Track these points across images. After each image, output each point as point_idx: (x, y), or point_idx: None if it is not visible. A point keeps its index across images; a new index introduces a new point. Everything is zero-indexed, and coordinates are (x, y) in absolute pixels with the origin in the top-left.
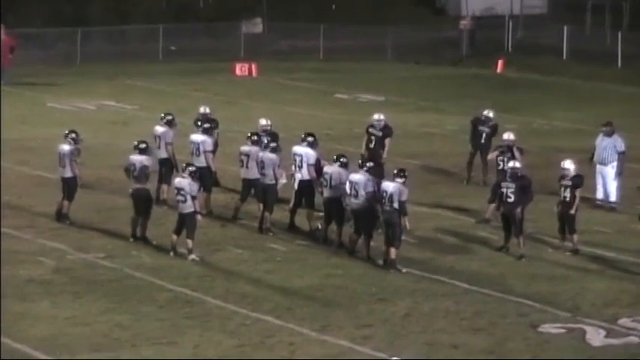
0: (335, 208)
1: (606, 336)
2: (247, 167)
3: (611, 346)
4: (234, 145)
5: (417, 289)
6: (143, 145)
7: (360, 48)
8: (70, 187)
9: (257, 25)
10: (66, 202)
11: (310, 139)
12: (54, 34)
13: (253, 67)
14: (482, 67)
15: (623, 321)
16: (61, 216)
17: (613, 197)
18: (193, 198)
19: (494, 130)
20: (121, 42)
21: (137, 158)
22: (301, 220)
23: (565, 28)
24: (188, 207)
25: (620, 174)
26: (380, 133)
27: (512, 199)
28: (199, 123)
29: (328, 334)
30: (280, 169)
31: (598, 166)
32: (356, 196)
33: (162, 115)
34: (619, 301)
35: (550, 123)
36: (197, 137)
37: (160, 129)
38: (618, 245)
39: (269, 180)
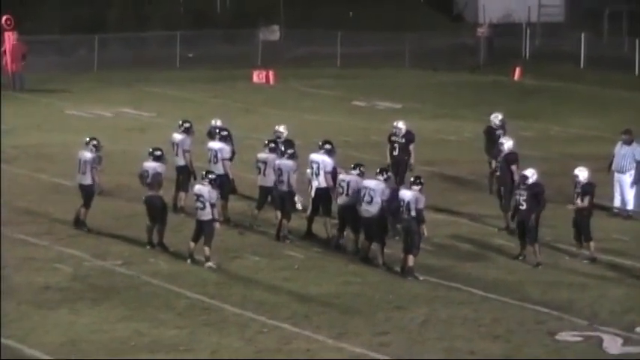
0: (350, 215)
1: (624, 344)
2: (264, 175)
3: (629, 355)
4: (251, 153)
5: (434, 296)
6: (158, 153)
7: (377, 55)
8: (87, 194)
9: (274, 33)
10: (83, 210)
11: (328, 146)
12: (72, 41)
13: (271, 74)
14: (499, 75)
15: None
16: (79, 223)
17: (630, 205)
18: (212, 205)
19: (506, 130)
20: (139, 49)
21: (150, 165)
22: (318, 227)
23: (582, 35)
24: (207, 214)
25: (637, 182)
26: (403, 140)
27: (524, 206)
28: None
29: (345, 341)
30: (298, 196)
31: (616, 175)
32: (370, 202)
33: (180, 122)
34: (637, 309)
35: (567, 130)
36: (215, 145)
37: (177, 136)
38: (636, 253)
39: (285, 187)
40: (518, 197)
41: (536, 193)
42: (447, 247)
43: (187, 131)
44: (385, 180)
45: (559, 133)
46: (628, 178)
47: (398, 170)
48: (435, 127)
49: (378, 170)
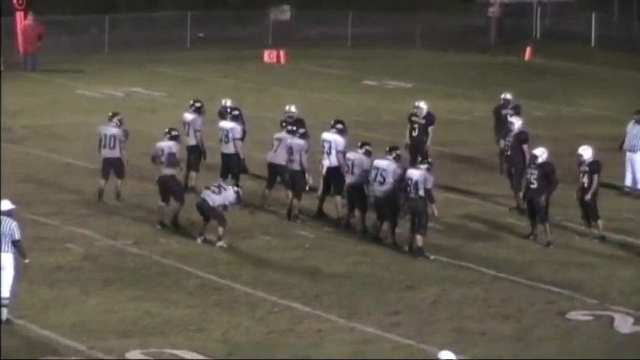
0: (357, 195)
1: (634, 323)
2: (275, 152)
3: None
4: (262, 133)
5: (445, 276)
6: (175, 132)
7: (388, 35)
8: (116, 167)
9: (285, 12)
10: (119, 182)
11: (339, 126)
12: (83, 22)
13: (281, 54)
14: (510, 55)
15: None
16: (102, 196)
17: None
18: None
19: (519, 112)
20: (150, 29)
21: (165, 144)
22: (329, 207)
23: (593, 15)
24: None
25: None
26: (423, 121)
27: (535, 185)
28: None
29: (356, 321)
30: (308, 175)
31: (628, 154)
32: (382, 183)
33: (191, 102)
34: None
35: (578, 110)
36: (226, 124)
37: (188, 116)
38: None
39: (297, 166)
40: (529, 176)
41: (546, 172)
42: (458, 227)
43: (198, 111)
44: (395, 159)
45: (570, 113)
46: (639, 157)
47: (416, 151)
48: (446, 107)
49: (387, 149)
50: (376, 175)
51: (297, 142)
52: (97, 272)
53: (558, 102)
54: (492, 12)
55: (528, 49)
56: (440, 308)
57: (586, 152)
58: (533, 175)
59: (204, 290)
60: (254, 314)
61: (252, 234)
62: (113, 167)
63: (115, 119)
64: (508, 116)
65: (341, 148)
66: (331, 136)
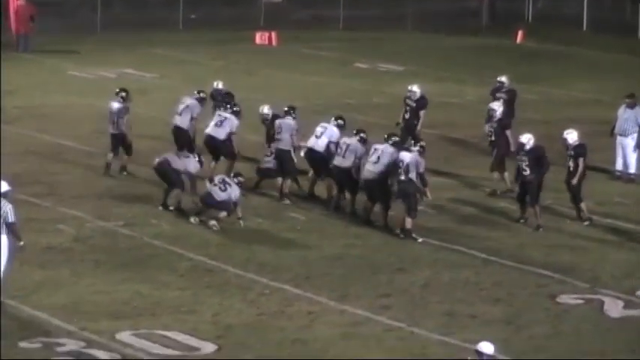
0: (345, 178)
1: (625, 307)
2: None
3: (630, 318)
4: (253, 114)
5: (436, 259)
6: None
7: (380, 17)
8: (122, 142)
9: None
10: (125, 157)
11: (340, 122)
12: (75, 2)
13: (273, 36)
14: (502, 38)
15: None
16: (108, 169)
17: (632, 169)
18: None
19: (513, 96)
20: (141, 10)
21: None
22: (321, 189)
23: None
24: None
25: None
26: (414, 105)
27: (527, 172)
28: (219, 99)
29: (347, 303)
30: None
31: (619, 138)
32: (376, 162)
33: (197, 91)
34: (638, 273)
35: (569, 94)
36: (225, 114)
37: (190, 101)
38: (637, 217)
39: (283, 145)
40: (520, 164)
41: (537, 156)
42: (449, 210)
43: (201, 101)
44: (393, 145)
45: (561, 96)
46: (630, 141)
47: (407, 133)
48: (438, 90)
49: (385, 136)
50: (372, 154)
51: (288, 122)
52: (88, 253)
53: (550, 85)
54: None
55: (520, 33)
56: (431, 291)
57: (571, 136)
58: (524, 162)
59: (196, 272)
60: (245, 296)
61: (244, 216)
62: (116, 141)
63: (120, 95)
64: (502, 100)
65: (334, 138)
66: (329, 125)
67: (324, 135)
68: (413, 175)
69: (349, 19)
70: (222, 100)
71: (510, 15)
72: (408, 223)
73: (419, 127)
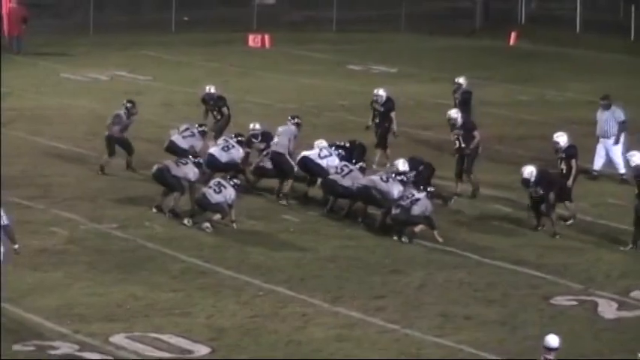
0: (330, 189)
1: (618, 308)
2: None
3: (624, 319)
4: (246, 117)
5: (430, 260)
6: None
7: (373, 19)
8: (121, 144)
9: None
10: (128, 158)
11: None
12: (68, 4)
13: (266, 38)
14: (495, 39)
15: (636, 293)
16: (103, 170)
17: (622, 169)
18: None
19: (467, 97)
20: (134, 12)
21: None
22: (316, 191)
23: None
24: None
25: (618, 142)
26: (382, 108)
27: (539, 194)
28: (211, 103)
29: (341, 305)
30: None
31: (601, 140)
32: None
33: (197, 125)
34: (632, 274)
35: (563, 94)
36: (232, 141)
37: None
38: (631, 217)
39: (279, 148)
40: (534, 195)
41: (549, 182)
42: (443, 212)
43: (203, 134)
44: (401, 182)
45: (554, 97)
46: (612, 141)
47: (380, 137)
48: (431, 91)
49: (421, 187)
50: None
51: (289, 127)
52: (81, 256)
53: (543, 86)
54: None
55: (514, 34)
56: (425, 292)
57: (561, 139)
58: (538, 193)
59: (189, 274)
60: (239, 298)
61: (237, 218)
62: (120, 145)
63: (126, 105)
64: (455, 102)
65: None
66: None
67: (284, 135)
68: (417, 212)
69: (342, 21)
70: (215, 104)
71: (504, 16)
72: (418, 228)
73: (395, 128)
